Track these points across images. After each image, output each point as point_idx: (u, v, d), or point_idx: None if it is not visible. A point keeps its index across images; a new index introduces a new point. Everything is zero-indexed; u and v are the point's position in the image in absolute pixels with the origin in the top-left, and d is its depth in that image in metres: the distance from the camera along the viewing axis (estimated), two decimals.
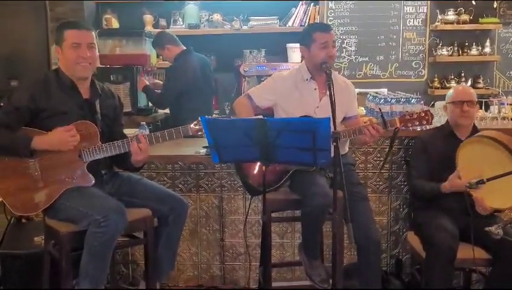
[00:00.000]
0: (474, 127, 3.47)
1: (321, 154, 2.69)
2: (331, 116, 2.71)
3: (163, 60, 5.83)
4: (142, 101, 5.14)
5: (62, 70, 3.01)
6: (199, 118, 2.96)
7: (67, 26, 2.98)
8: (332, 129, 2.72)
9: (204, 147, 3.56)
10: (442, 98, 5.23)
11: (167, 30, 5.70)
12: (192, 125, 3.01)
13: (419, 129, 3.46)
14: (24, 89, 2.92)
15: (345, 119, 3.49)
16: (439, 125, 3.62)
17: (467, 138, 3.35)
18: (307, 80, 3.40)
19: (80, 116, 2.96)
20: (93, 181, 2.96)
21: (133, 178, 3.21)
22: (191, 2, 6.13)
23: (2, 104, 3.01)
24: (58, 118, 2.91)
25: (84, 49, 2.96)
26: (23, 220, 3.95)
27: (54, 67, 3.86)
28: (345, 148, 3.51)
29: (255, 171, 3.26)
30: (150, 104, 5.23)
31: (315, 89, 3.39)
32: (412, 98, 4.00)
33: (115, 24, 6.13)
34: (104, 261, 2.80)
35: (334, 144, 2.72)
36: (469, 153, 3.18)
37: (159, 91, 5.11)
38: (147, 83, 5.02)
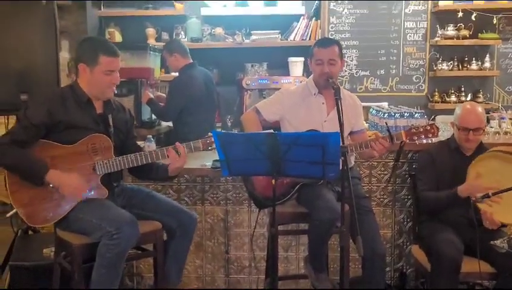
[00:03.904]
0: (480, 142, 3.48)
1: (330, 168, 2.73)
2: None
3: (165, 73, 5.89)
4: (146, 114, 5.17)
5: (80, 86, 3.05)
6: (208, 131, 3.00)
7: (104, 51, 2.98)
8: (340, 143, 2.76)
9: (215, 161, 3.58)
10: (442, 112, 5.35)
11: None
12: (203, 140, 3.04)
13: (424, 142, 3.50)
14: (41, 104, 2.95)
15: (351, 133, 3.54)
16: (443, 139, 3.66)
17: (473, 154, 3.39)
18: (314, 94, 3.45)
19: (94, 130, 3.01)
20: (107, 193, 3.00)
21: (143, 191, 3.26)
22: (193, 16, 6.18)
23: (17, 116, 3.02)
24: (74, 132, 2.96)
25: (116, 76, 3.03)
26: (30, 232, 3.97)
27: (62, 74, 3.93)
28: (351, 162, 3.55)
29: (263, 184, 3.28)
30: (154, 116, 5.27)
31: (323, 103, 3.44)
32: (416, 112, 4.05)
33: (118, 37, 6.17)
34: (115, 273, 2.83)
35: (342, 158, 2.75)
36: (483, 167, 3.21)
37: (163, 104, 5.14)
38: (151, 96, 5.05)
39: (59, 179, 2.91)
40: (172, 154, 3.05)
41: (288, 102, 3.47)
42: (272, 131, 2.85)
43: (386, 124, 3.38)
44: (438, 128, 3.26)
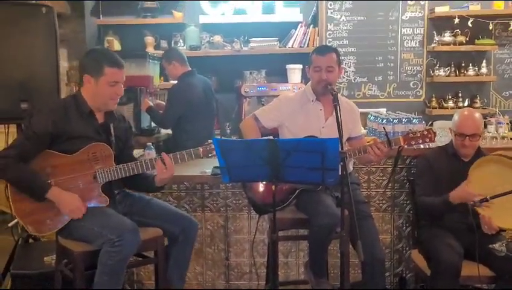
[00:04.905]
0: (478, 148, 3.50)
1: (329, 173, 2.75)
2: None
3: (164, 81, 5.91)
4: (145, 121, 5.21)
5: (83, 97, 3.07)
6: (207, 138, 3.03)
7: (109, 62, 3.01)
8: (339, 149, 2.78)
9: (215, 167, 3.60)
10: (440, 117, 5.38)
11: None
12: (203, 147, 3.06)
13: (422, 147, 3.52)
14: (44, 115, 2.97)
15: (349, 139, 3.57)
16: (441, 144, 3.69)
17: (471, 160, 3.41)
18: (312, 101, 3.48)
19: (96, 140, 3.03)
20: (108, 201, 3.03)
21: (144, 198, 3.28)
22: (192, 24, 6.21)
23: (20, 127, 3.04)
24: (76, 141, 2.99)
25: (120, 87, 3.06)
26: (31, 241, 3.98)
27: (62, 84, 3.94)
28: (350, 168, 3.57)
29: (263, 191, 3.31)
30: (153, 124, 5.29)
31: (320, 110, 3.48)
32: (414, 118, 4.09)
33: (117, 46, 6.19)
34: (117, 280, 2.84)
35: (341, 163, 2.78)
36: (483, 172, 3.23)
37: (162, 112, 5.17)
38: (151, 103, 5.08)
39: (60, 198, 2.94)
40: (159, 164, 3.06)
41: (287, 109, 3.50)
42: (271, 137, 2.87)
43: (384, 129, 3.40)
44: (435, 133, 3.29)
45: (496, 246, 2.95)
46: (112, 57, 3.09)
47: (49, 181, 2.94)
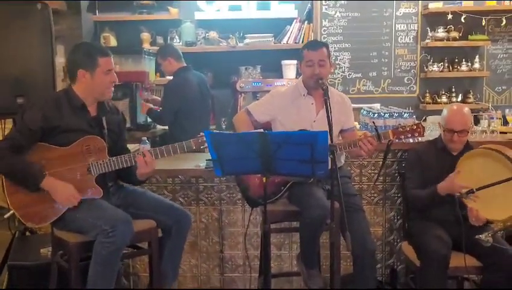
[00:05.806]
0: (467, 141, 3.54)
1: (319, 166, 2.80)
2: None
3: (160, 76, 5.96)
4: (141, 116, 5.25)
5: (74, 91, 3.13)
6: (201, 132, 3.07)
7: (100, 53, 3.09)
8: (329, 142, 2.83)
9: (208, 160, 3.65)
10: (434, 112, 5.41)
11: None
12: (194, 140, 3.11)
13: (411, 141, 3.57)
14: (37, 109, 3.03)
15: (342, 131, 3.62)
16: (431, 139, 3.74)
17: (459, 154, 3.46)
18: (303, 95, 3.53)
19: (89, 133, 3.09)
20: (102, 193, 3.08)
21: (137, 191, 3.33)
22: (187, 20, 6.26)
23: (13, 120, 3.09)
24: (69, 134, 3.04)
25: (114, 74, 3.14)
26: (28, 233, 4.04)
27: (58, 80, 3.98)
28: (341, 161, 3.63)
29: (255, 183, 3.36)
30: (149, 119, 5.34)
31: (312, 103, 3.53)
32: (405, 112, 4.13)
33: (113, 42, 6.23)
34: (111, 271, 2.90)
35: (331, 156, 2.83)
36: (470, 165, 3.28)
37: (158, 108, 5.21)
38: (151, 106, 5.13)
39: (54, 187, 2.99)
40: (140, 160, 3.11)
41: (279, 103, 3.55)
42: (262, 130, 2.92)
43: (374, 123, 3.45)
44: (424, 127, 3.33)
45: (482, 236, 2.98)
46: (100, 47, 3.23)
47: (44, 173, 2.99)
